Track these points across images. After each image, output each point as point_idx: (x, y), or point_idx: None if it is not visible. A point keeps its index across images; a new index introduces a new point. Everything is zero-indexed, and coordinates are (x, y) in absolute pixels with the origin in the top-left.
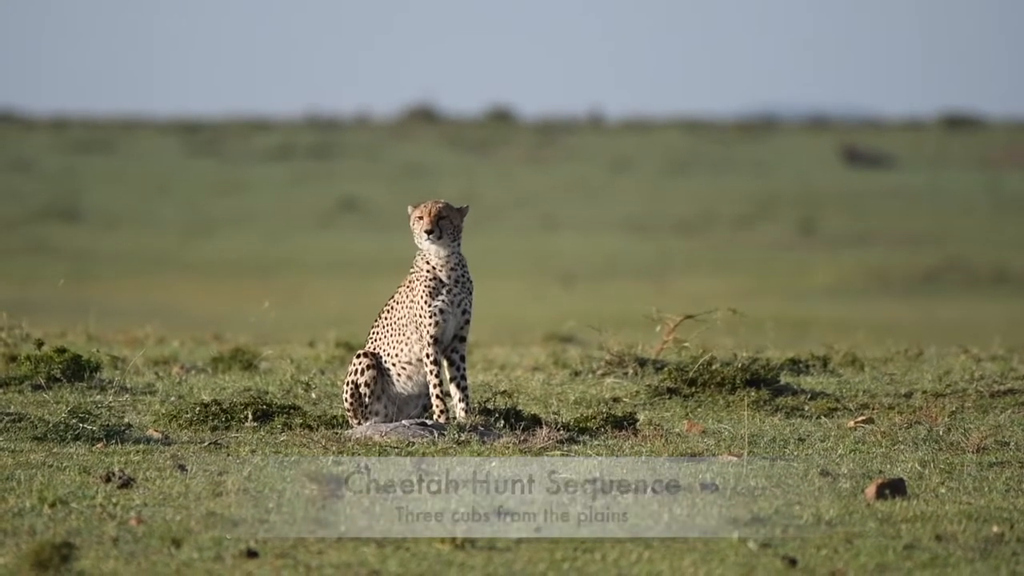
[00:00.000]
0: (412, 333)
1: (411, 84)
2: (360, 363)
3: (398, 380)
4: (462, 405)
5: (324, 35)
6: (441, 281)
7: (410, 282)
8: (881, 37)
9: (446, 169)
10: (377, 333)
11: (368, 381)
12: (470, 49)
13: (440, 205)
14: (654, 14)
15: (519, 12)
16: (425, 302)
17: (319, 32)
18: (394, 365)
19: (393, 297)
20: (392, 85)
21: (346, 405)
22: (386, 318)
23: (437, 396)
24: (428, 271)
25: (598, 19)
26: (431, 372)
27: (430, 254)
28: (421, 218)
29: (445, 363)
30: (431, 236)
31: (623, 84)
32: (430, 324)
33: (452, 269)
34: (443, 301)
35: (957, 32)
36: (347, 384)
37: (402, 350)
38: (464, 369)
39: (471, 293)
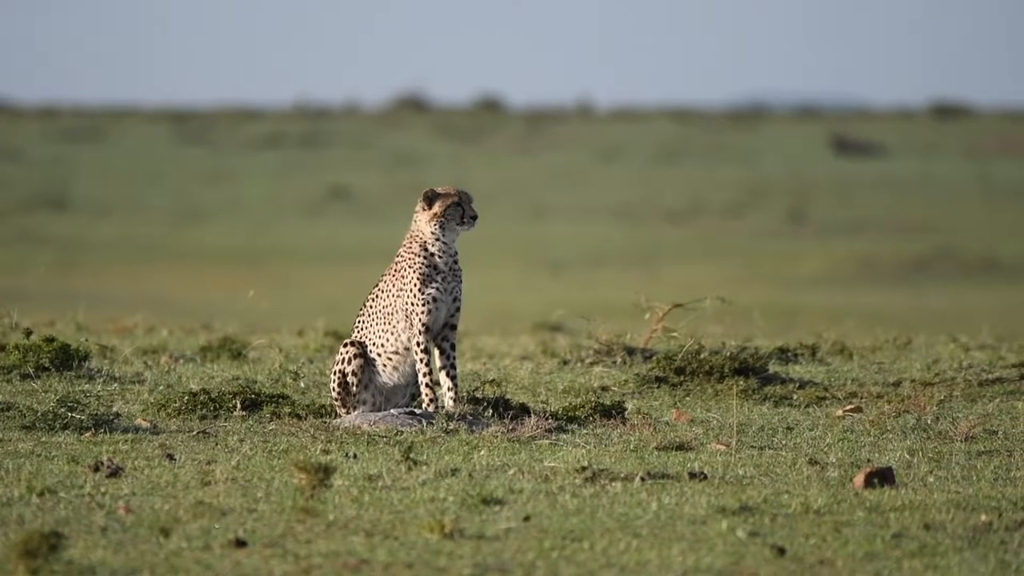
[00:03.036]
0: (400, 322)
1: (400, 73)
2: (348, 352)
3: (383, 371)
4: (451, 394)
5: (314, 24)
6: (437, 268)
7: (397, 269)
8: (870, 26)
9: (436, 158)
10: (362, 322)
11: (356, 370)
12: (459, 38)
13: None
14: (644, 3)
15: (509, 1)
16: (418, 289)
17: (309, 21)
18: (379, 356)
19: (378, 285)
20: (381, 74)
21: (334, 395)
22: (371, 307)
23: (427, 384)
24: (424, 258)
25: (587, 8)
26: (421, 360)
27: (440, 240)
28: (459, 204)
29: (436, 352)
30: (476, 222)
31: (612, 73)
32: (423, 312)
33: (450, 256)
34: (436, 289)
35: (946, 21)
36: (335, 373)
37: (388, 340)
38: (454, 358)
39: (461, 281)
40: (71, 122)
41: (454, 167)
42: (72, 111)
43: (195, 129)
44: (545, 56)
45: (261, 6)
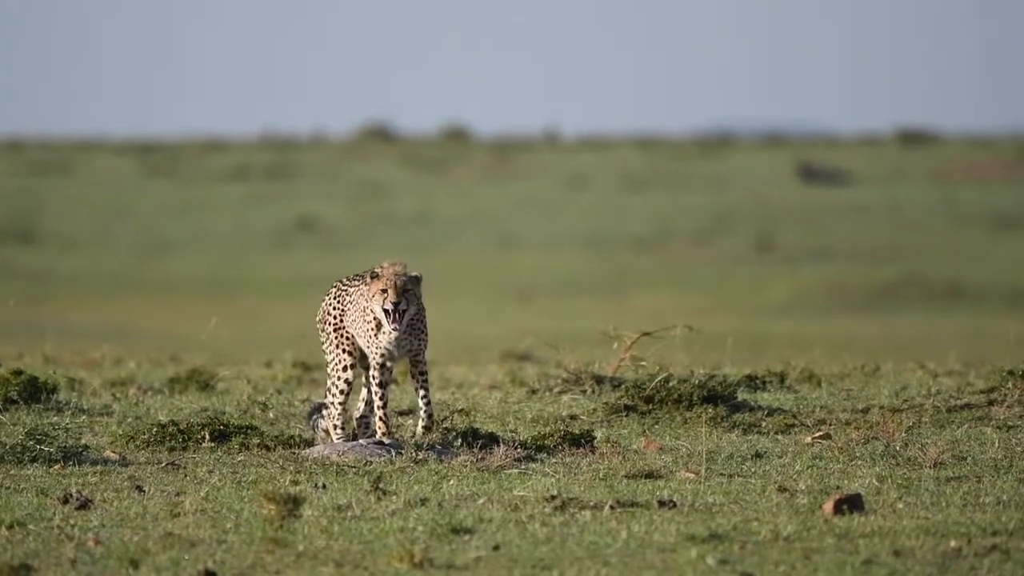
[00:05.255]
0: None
1: (367, 103)
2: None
3: None
4: (423, 422)
5: (279, 55)
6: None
7: (359, 295)
8: (836, 53)
9: (402, 188)
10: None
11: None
12: (426, 68)
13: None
14: (609, 32)
15: (474, 30)
16: (374, 335)
17: (274, 52)
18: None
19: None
20: (348, 104)
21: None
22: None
23: (381, 418)
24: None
25: (553, 37)
26: (376, 394)
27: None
28: (384, 292)
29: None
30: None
31: (579, 102)
32: (376, 353)
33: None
34: (389, 342)
35: (912, 48)
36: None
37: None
38: (424, 382)
39: (423, 331)
40: (37, 155)
41: (421, 197)
42: (38, 144)
43: (162, 161)
44: (512, 86)
45: (226, 38)
